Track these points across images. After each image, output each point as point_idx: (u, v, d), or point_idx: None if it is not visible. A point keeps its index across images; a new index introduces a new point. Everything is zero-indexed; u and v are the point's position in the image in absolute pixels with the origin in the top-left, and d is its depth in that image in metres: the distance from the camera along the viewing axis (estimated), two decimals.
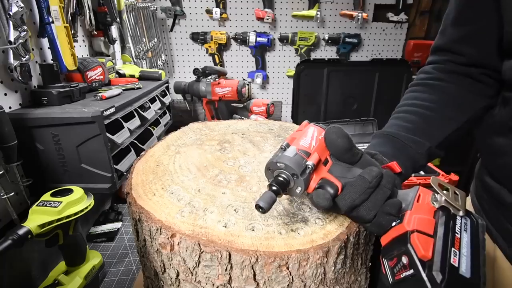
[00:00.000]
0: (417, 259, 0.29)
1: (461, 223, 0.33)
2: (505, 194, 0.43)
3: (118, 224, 1.05)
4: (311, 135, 0.40)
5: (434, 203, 0.34)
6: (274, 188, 0.36)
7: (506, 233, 0.44)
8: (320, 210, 0.43)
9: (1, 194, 0.68)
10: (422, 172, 1.29)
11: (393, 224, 0.34)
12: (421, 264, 0.29)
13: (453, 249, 0.30)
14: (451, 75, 0.48)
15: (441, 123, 0.47)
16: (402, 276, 0.31)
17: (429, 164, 1.34)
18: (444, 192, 0.35)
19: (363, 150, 0.43)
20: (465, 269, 0.29)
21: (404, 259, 0.31)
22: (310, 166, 0.36)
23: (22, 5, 0.71)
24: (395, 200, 0.35)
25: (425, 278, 0.28)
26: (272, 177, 0.38)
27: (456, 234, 0.32)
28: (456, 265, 0.29)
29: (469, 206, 0.56)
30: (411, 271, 0.30)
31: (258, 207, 0.34)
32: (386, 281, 0.33)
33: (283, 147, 0.39)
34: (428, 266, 0.29)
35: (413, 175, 1.27)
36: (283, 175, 0.37)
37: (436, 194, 0.35)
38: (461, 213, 0.34)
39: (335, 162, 0.39)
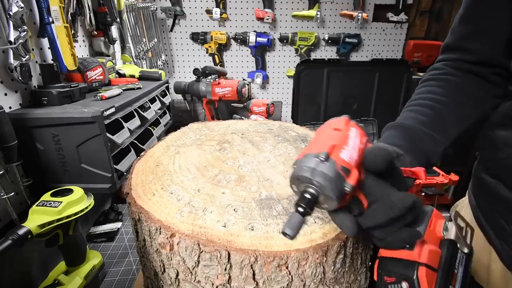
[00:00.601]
0: None
1: (459, 258, 0.33)
2: (501, 190, 0.44)
3: (118, 224, 1.05)
4: (353, 144, 0.34)
5: (444, 232, 0.34)
6: (302, 210, 0.31)
7: (500, 230, 0.45)
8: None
9: (1, 194, 0.68)
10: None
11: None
12: None
13: (450, 286, 0.31)
14: (462, 73, 0.48)
15: (456, 120, 0.46)
16: None
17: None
18: (459, 224, 0.34)
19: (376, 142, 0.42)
20: None
21: (404, 285, 0.31)
22: (348, 190, 0.31)
23: (22, 5, 0.71)
24: (416, 232, 0.33)
25: None
26: (298, 188, 0.33)
27: (455, 270, 0.32)
28: None
29: (466, 204, 0.56)
30: None
31: (284, 234, 0.30)
32: None
33: (322, 158, 0.31)
34: None
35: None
36: (312, 191, 0.31)
37: (448, 222, 0.34)
38: (465, 250, 0.33)
39: (367, 176, 0.35)
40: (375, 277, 0.34)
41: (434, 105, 0.46)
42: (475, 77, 0.47)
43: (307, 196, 0.31)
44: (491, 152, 0.47)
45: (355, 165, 0.32)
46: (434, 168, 1.31)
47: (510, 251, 0.43)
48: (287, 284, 0.38)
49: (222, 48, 1.84)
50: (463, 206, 0.58)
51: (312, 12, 1.74)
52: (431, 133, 0.43)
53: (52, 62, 0.87)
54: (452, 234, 0.33)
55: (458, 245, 0.33)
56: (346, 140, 0.34)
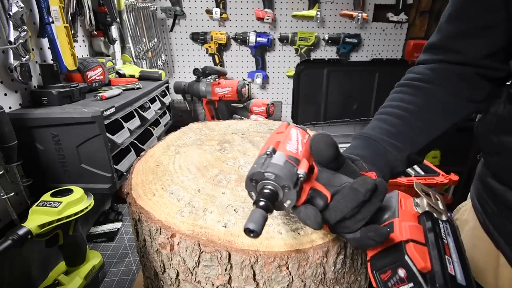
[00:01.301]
0: (418, 272, 0.28)
1: (443, 227, 0.32)
2: (510, 195, 0.42)
3: (118, 224, 1.05)
4: (296, 139, 0.35)
5: (417, 208, 0.33)
6: (262, 203, 0.29)
7: (509, 236, 0.43)
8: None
9: (1, 194, 0.68)
10: (422, 172, 1.29)
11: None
12: (422, 277, 0.28)
13: (446, 256, 0.29)
14: (441, 77, 0.47)
15: (424, 129, 0.45)
16: None
17: (429, 164, 1.34)
18: (427, 197, 0.34)
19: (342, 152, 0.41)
20: (460, 278, 0.29)
21: (401, 272, 0.29)
22: (302, 176, 0.31)
23: (22, 5, 0.71)
24: (381, 229, 0.31)
25: None
26: (256, 190, 0.32)
27: (444, 240, 0.31)
28: (453, 274, 0.28)
29: (470, 208, 0.55)
30: (411, 284, 0.28)
31: (248, 231, 0.28)
32: None
33: (268, 153, 0.32)
34: (430, 278, 0.28)
35: (413, 174, 1.27)
36: (269, 187, 0.31)
37: (417, 199, 0.34)
38: (443, 217, 0.33)
39: (320, 169, 0.35)
40: (373, 283, 0.32)
41: (402, 114, 0.46)
42: (456, 80, 0.46)
43: (266, 191, 0.31)
44: (497, 158, 0.45)
45: (303, 155, 0.33)
46: (434, 168, 1.32)
47: None
48: (288, 285, 0.38)
49: (222, 48, 1.84)
50: (466, 209, 0.57)
51: (312, 12, 1.74)
52: (394, 142, 0.44)
53: (52, 62, 0.87)
54: (424, 205, 0.33)
55: (435, 215, 0.33)
56: (289, 136, 0.36)
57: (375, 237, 0.31)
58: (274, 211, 0.31)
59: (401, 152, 0.44)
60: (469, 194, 0.57)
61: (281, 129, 0.38)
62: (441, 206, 0.34)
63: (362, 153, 0.43)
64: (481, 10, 0.42)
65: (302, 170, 0.31)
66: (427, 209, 0.33)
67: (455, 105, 0.46)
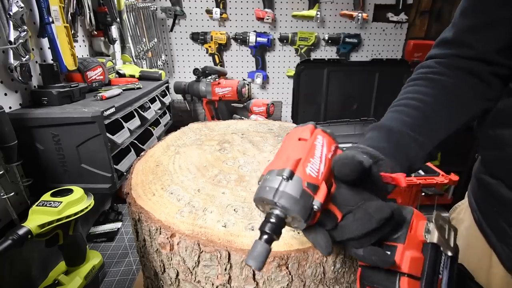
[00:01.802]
0: None
1: (444, 260, 0.31)
2: (503, 191, 0.43)
3: (118, 224, 1.05)
4: (320, 154, 0.31)
5: (426, 235, 0.32)
6: (266, 237, 0.28)
7: (501, 233, 0.44)
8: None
9: (1, 194, 0.68)
10: (422, 172, 1.29)
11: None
12: None
13: None
14: (454, 72, 0.45)
15: (443, 123, 0.43)
16: None
17: (429, 164, 1.34)
18: (441, 225, 0.32)
19: (358, 145, 0.39)
20: None
21: None
22: (317, 208, 0.29)
23: (22, 5, 0.71)
24: (386, 257, 0.31)
25: None
26: (264, 209, 0.31)
27: (439, 275, 0.31)
28: None
29: (466, 207, 0.55)
30: None
31: (249, 265, 0.27)
32: None
33: (285, 177, 0.29)
34: None
35: (413, 175, 1.27)
36: (277, 213, 0.29)
37: (429, 224, 0.32)
38: (449, 253, 0.31)
39: (338, 185, 0.33)
40: (358, 286, 0.33)
41: (420, 106, 0.44)
42: (469, 76, 0.45)
43: (272, 220, 0.29)
44: (492, 152, 0.46)
45: (323, 178, 0.30)
46: (434, 168, 1.31)
47: (511, 253, 0.43)
48: (287, 284, 0.38)
49: (222, 48, 1.84)
50: (463, 208, 0.57)
51: (312, 12, 1.74)
52: (416, 136, 0.41)
53: (52, 62, 0.87)
54: (434, 237, 0.31)
55: (442, 248, 0.31)
56: (312, 151, 0.31)
57: (378, 262, 0.30)
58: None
59: (423, 148, 0.41)
60: (467, 193, 0.57)
61: (305, 134, 0.33)
62: (452, 241, 0.32)
63: (383, 146, 0.40)
64: (496, 4, 0.41)
65: (318, 202, 0.29)
66: (435, 241, 0.31)
67: (472, 99, 0.44)
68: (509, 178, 0.42)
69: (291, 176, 0.29)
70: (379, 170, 0.35)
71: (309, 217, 0.29)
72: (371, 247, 0.31)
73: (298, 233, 0.40)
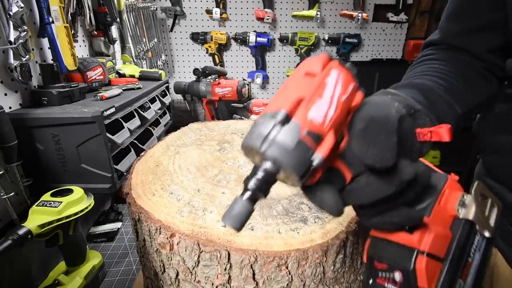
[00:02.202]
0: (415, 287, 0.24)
1: (477, 241, 0.26)
2: (506, 195, 0.43)
3: (118, 224, 1.05)
4: (331, 95, 0.23)
5: (460, 208, 0.26)
6: (249, 194, 0.23)
7: (507, 234, 0.44)
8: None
9: (1, 194, 0.68)
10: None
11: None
12: None
13: (459, 280, 0.25)
14: (456, 59, 0.44)
15: (465, 92, 0.39)
16: (386, 286, 0.26)
17: (429, 164, 1.33)
18: (481, 201, 0.27)
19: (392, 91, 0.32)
20: None
21: (397, 275, 0.25)
22: (317, 163, 0.22)
23: (22, 5, 0.71)
24: (416, 213, 0.26)
25: None
26: (253, 160, 0.25)
27: (469, 258, 0.26)
28: None
29: None
30: None
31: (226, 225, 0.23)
32: (364, 275, 0.28)
33: (278, 121, 0.23)
34: None
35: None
36: (266, 167, 0.23)
37: (466, 196, 0.26)
38: (486, 234, 0.26)
39: (354, 137, 0.25)
40: (365, 259, 0.28)
41: (442, 76, 0.39)
42: (470, 66, 0.43)
43: (260, 175, 0.23)
44: (494, 157, 0.45)
45: (331, 126, 0.23)
46: (434, 168, 1.31)
47: None
48: (287, 284, 0.38)
49: (222, 48, 1.84)
50: None
51: (312, 12, 1.74)
52: (445, 96, 0.36)
53: (52, 62, 0.87)
54: (470, 212, 0.25)
55: (477, 227, 0.26)
56: (320, 89, 0.24)
57: (404, 223, 0.25)
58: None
59: (454, 109, 0.36)
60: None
61: (314, 67, 0.25)
62: (493, 220, 0.27)
63: (418, 98, 0.33)
64: (479, 10, 0.42)
65: (319, 155, 0.22)
66: (470, 218, 0.26)
67: (478, 81, 0.43)
68: None
69: (286, 120, 0.23)
70: (415, 124, 0.29)
71: (305, 174, 0.23)
72: (391, 211, 0.26)
73: (298, 232, 0.40)
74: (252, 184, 0.23)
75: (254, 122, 0.24)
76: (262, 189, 0.23)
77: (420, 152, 0.29)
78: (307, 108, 0.23)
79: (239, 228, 0.22)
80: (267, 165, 0.23)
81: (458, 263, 0.25)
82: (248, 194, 0.23)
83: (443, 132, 0.25)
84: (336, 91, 0.24)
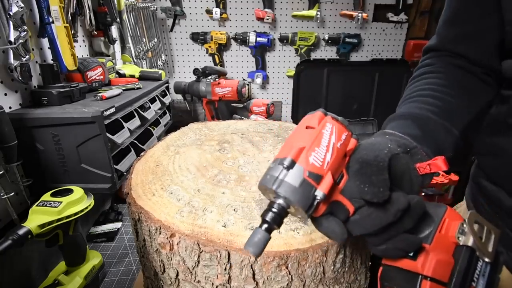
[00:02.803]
0: None
1: (481, 268, 0.28)
2: (503, 197, 0.42)
3: (118, 224, 1.06)
4: (327, 143, 0.29)
5: (460, 237, 0.28)
6: (266, 226, 0.28)
7: (505, 238, 0.43)
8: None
9: (1, 194, 0.68)
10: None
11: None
12: None
13: None
14: (455, 68, 0.45)
15: (461, 109, 0.41)
16: None
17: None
18: (477, 227, 0.29)
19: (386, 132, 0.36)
20: None
21: None
22: (319, 198, 0.27)
23: (22, 5, 0.71)
24: (415, 239, 0.29)
25: None
26: (268, 198, 0.30)
27: (472, 283, 0.27)
28: None
29: (464, 210, 0.55)
30: None
31: (248, 251, 0.27)
32: None
33: (286, 166, 0.28)
34: None
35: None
36: (279, 202, 0.28)
37: (465, 225, 0.29)
38: (486, 260, 0.28)
39: (351, 176, 0.30)
40: (378, 286, 0.31)
41: (437, 95, 0.41)
42: (467, 73, 0.44)
43: (274, 209, 0.28)
44: (490, 159, 0.45)
45: (329, 168, 0.28)
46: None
47: None
48: (287, 284, 0.38)
49: (222, 48, 1.84)
50: (461, 211, 0.57)
51: (312, 12, 1.74)
52: (441, 121, 0.38)
53: (52, 62, 0.87)
54: (469, 239, 0.28)
55: (478, 253, 0.28)
56: (318, 139, 0.29)
57: (405, 248, 0.28)
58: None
59: (451, 133, 0.39)
60: (465, 195, 0.56)
61: (312, 122, 0.30)
62: (491, 245, 0.28)
63: (413, 133, 0.36)
64: (474, 15, 0.42)
65: (321, 192, 0.27)
66: (470, 244, 0.28)
67: (479, 89, 0.44)
68: (510, 185, 0.42)
69: (292, 165, 0.28)
70: (412, 160, 0.33)
71: (310, 208, 0.27)
72: (394, 238, 0.29)
73: (298, 233, 0.40)
74: (269, 217, 0.28)
75: (268, 167, 0.30)
76: (277, 221, 0.28)
77: (422, 183, 0.32)
78: (308, 154, 0.28)
79: (258, 253, 0.27)
80: (279, 201, 0.28)
81: (462, 285, 0.27)
82: (266, 225, 0.28)
83: (439, 163, 0.30)
84: (331, 139, 0.29)
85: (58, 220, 0.64)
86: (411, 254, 0.28)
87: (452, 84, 0.42)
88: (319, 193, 0.27)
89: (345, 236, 0.29)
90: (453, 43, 0.45)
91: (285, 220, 0.42)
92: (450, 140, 0.38)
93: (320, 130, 0.29)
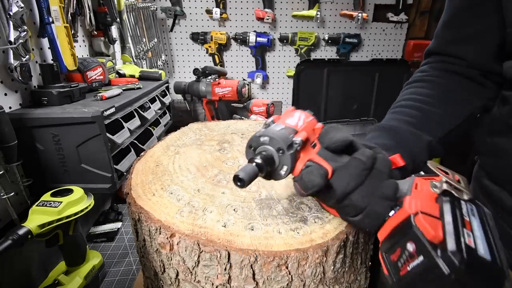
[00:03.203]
0: (427, 242, 0.24)
1: (467, 208, 0.28)
2: (505, 197, 0.43)
3: (118, 224, 1.06)
4: (298, 116, 0.36)
5: (434, 189, 0.29)
6: (256, 161, 0.31)
7: (506, 237, 0.44)
8: (308, 195, 0.34)
9: (1, 194, 0.68)
10: (422, 173, 1.29)
11: (391, 212, 0.30)
12: (432, 247, 0.24)
13: (465, 230, 0.25)
14: (448, 74, 0.47)
15: (442, 117, 0.44)
16: (409, 268, 0.25)
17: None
18: (445, 175, 0.30)
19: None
20: (483, 251, 0.23)
21: (410, 246, 0.25)
22: (297, 142, 0.32)
23: (22, 5, 0.71)
24: (391, 181, 0.32)
25: (440, 262, 0.23)
26: (254, 155, 0.34)
27: (465, 217, 0.26)
28: (473, 246, 0.24)
29: None
30: (421, 258, 0.24)
31: (236, 178, 0.30)
32: (390, 280, 0.28)
33: (267, 123, 0.35)
34: (441, 248, 0.24)
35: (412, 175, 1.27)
36: (265, 151, 0.32)
37: (435, 181, 0.30)
38: (465, 197, 0.29)
39: (325, 148, 0.35)
40: (385, 270, 0.29)
41: (418, 105, 0.45)
42: (463, 78, 0.46)
43: (262, 152, 0.32)
44: (492, 159, 0.46)
45: (303, 128, 0.34)
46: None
47: None
48: (287, 284, 0.38)
49: (222, 48, 1.84)
50: None
51: (312, 12, 1.74)
52: (414, 130, 0.42)
53: (52, 62, 0.87)
54: (442, 186, 0.29)
55: (456, 194, 0.29)
56: (291, 114, 0.37)
57: (386, 192, 0.30)
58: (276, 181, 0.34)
59: (422, 139, 0.42)
60: None
61: (286, 112, 0.39)
62: (462, 185, 0.30)
63: (382, 142, 0.41)
64: (473, 17, 0.43)
65: (298, 138, 0.33)
66: (445, 187, 0.29)
67: (467, 97, 0.45)
68: (510, 185, 0.42)
69: (272, 122, 0.36)
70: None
71: (290, 147, 0.32)
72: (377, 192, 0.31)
73: (298, 232, 0.40)
74: (257, 157, 0.32)
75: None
76: (265, 160, 0.32)
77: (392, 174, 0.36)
78: (284, 118, 0.36)
79: (246, 179, 0.30)
80: (264, 145, 0.33)
81: (454, 218, 0.26)
82: (255, 160, 0.31)
83: (396, 158, 0.37)
84: (301, 116, 0.37)
85: (58, 220, 0.64)
86: (398, 207, 0.30)
87: (438, 94, 0.45)
88: (297, 139, 0.32)
89: (323, 175, 0.32)
90: (450, 45, 0.46)
91: (285, 220, 0.42)
92: (422, 146, 0.42)
93: (291, 112, 0.38)
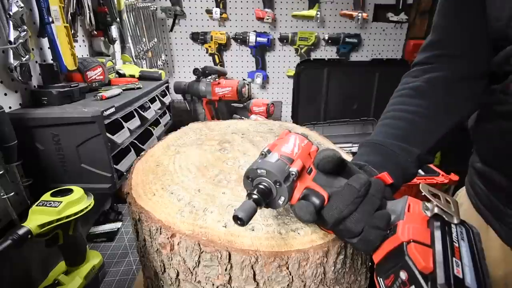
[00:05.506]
0: (418, 273, 0.26)
1: (457, 231, 0.30)
2: (496, 176, 0.46)
3: (118, 224, 1.05)
4: (293, 142, 0.38)
5: (426, 211, 0.32)
6: (254, 197, 0.32)
7: (498, 213, 0.47)
8: (304, 224, 0.39)
9: (1, 194, 0.68)
10: (422, 172, 1.29)
11: (383, 238, 0.32)
12: (422, 277, 0.26)
13: (454, 259, 0.27)
14: (440, 77, 0.48)
15: (430, 128, 0.46)
16: None
17: (429, 164, 1.34)
18: (436, 199, 0.32)
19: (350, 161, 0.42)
20: (470, 281, 0.26)
21: (403, 274, 0.28)
22: (294, 173, 0.34)
23: (22, 5, 0.71)
24: (383, 211, 0.33)
25: None
26: (252, 186, 0.35)
27: (454, 243, 0.29)
28: (461, 276, 0.26)
29: (464, 194, 0.58)
30: (412, 287, 0.26)
31: (236, 218, 0.30)
32: None
33: (263, 153, 0.36)
34: (431, 279, 0.26)
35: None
36: (264, 183, 0.34)
37: (426, 203, 0.33)
38: (455, 221, 0.31)
39: (320, 172, 0.37)
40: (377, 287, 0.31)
41: (406, 116, 0.46)
42: (455, 80, 0.47)
43: (260, 186, 0.34)
44: (484, 143, 0.49)
45: (298, 156, 0.36)
46: (434, 168, 1.31)
47: (509, 230, 0.45)
48: (288, 285, 0.38)
49: (222, 48, 1.84)
50: (461, 196, 0.60)
51: (312, 12, 1.74)
52: (402, 145, 0.44)
53: (52, 62, 0.87)
54: (434, 208, 0.31)
55: (446, 218, 0.31)
56: (287, 139, 0.39)
57: (378, 223, 0.31)
58: (279, 210, 0.34)
59: (411, 154, 0.44)
60: (465, 182, 0.60)
61: (281, 136, 0.41)
62: (452, 209, 0.32)
63: (370, 159, 0.43)
64: (461, 5, 0.45)
65: (294, 168, 0.34)
66: (436, 211, 0.31)
67: (457, 104, 0.47)
68: (501, 165, 0.45)
69: (268, 152, 0.37)
70: (366, 173, 0.39)
71: (287, 180, 0.33)
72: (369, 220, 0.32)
73: (299, 233, 0.40)
74: (255, 191, 0.33)
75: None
76: (262, 195, 0.33)
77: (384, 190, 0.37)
78: (279, 147, 0.38)
79: (246, 219, 0.30)
80: (263, 180, 0.34)
81: (444, 245, 0.28)
82: (252, 196, 0.32)
83: (384, 176, 0.38)
84: (296, 141, 0.39)
85: (58, 220, 0.64)
86: (392, 233, 0.31)
87: (426, 104, 0.46)
88: (293, 169, 0.34)
89: (311, 210, 0.33)
90: (448, 34, 0.49)
91: (285, 220, 0.42)
92: (411, 160, 0.43)
93: (286, 137, 0.40)
